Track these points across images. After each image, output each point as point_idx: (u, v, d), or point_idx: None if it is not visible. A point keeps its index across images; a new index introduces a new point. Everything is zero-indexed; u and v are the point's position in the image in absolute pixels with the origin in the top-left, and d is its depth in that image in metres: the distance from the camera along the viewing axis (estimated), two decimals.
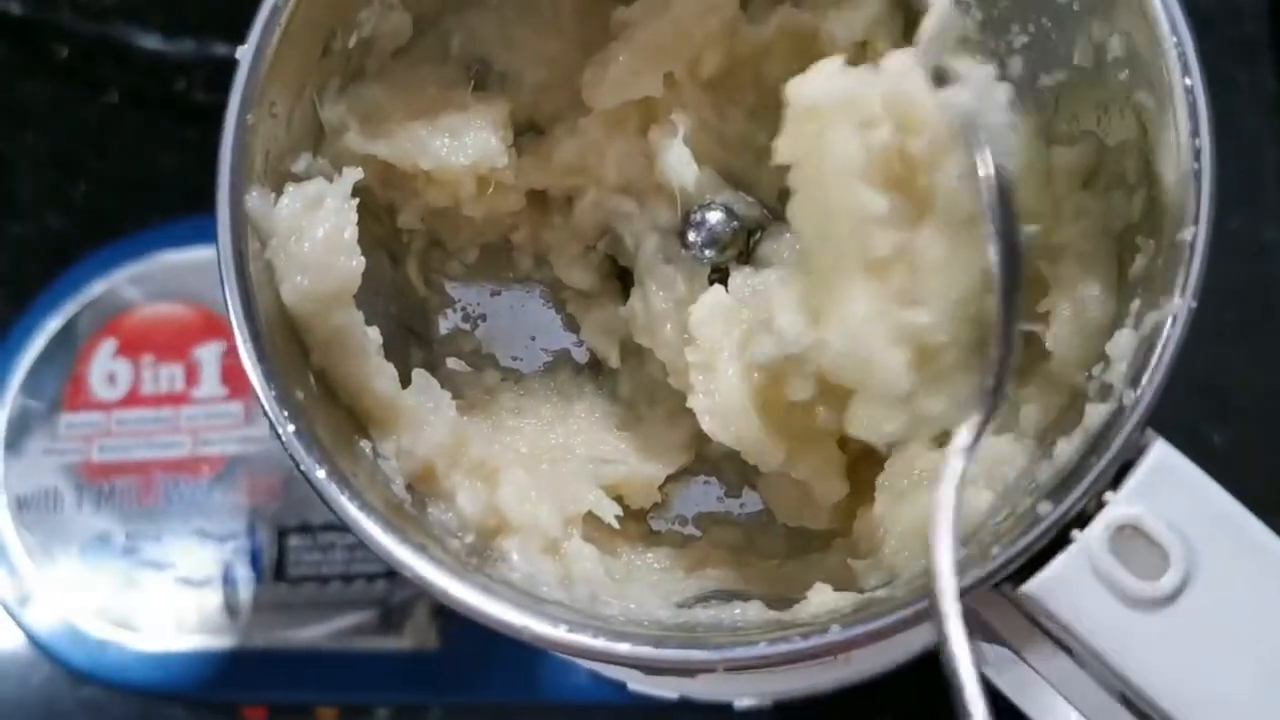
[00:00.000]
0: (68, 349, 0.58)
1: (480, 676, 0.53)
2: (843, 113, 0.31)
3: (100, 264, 0.58)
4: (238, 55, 0.35)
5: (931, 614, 0.29)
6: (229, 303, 0.34)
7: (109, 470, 0.56)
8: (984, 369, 0.31)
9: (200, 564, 0.55)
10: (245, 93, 0.35)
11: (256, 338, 0.33)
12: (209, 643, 0.54)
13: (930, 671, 0.45)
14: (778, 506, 0.42)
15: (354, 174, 0.36)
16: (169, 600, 0.54)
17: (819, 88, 0.32)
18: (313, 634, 0.54)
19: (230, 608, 0.54)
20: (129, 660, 0.54)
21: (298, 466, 0.32)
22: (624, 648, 0.31)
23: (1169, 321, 0.31)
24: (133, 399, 0.57)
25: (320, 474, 0.32)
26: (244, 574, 0.55)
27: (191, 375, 0.57)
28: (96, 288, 0.58)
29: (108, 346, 0.58)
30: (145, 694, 0.55)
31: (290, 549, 0.55)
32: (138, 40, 0.62)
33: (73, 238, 0.60)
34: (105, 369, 0.57)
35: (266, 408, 0.33)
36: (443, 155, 0.39)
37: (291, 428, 0.33)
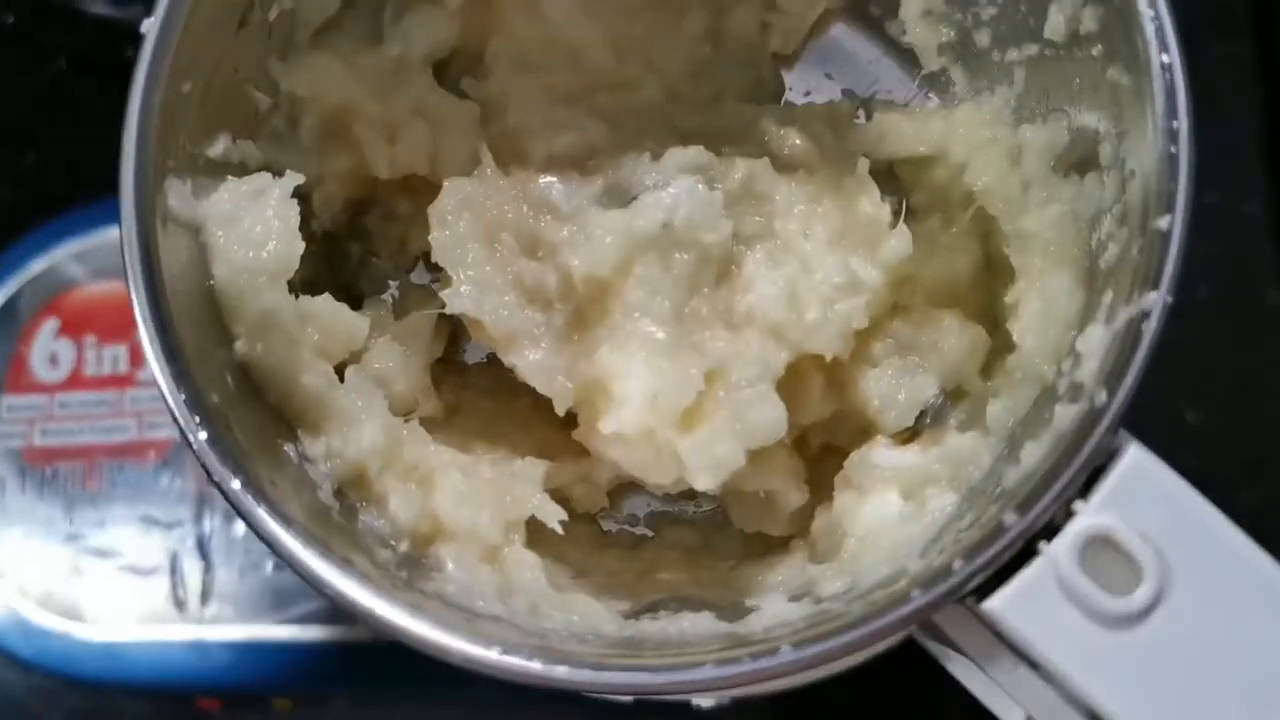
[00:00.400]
0: (9, 328, 0.55)
1: (436, 666, 0.52)
2: None
3: (44, 239, 0.56)
4: (143, 29, 0.32)
5: None
6: (134, 295, 0.31)
7: (52, 454, 0.54)
8: None
9: (147, 552, 0.53)
10: (151, 70, 0.32)
11: (163, 331, 0.31)
12: (159, 633, 0.52)
13: (898, 663, 0.43)
14: (736, 514, 0.40)
15: (296, 177, 0.35)
16: (115, 589, 0.52)
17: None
18: (266, 624, 0.52)
19: (178, 597, 0.52)
20: (77, 650, 0.52)
21: (210, 477, 0.30)
22: (562, 671, 0.29)
23: (1144, 318, 0.29)
24: (75, 381, 0.54)
25: (235, 485, 0.30)
26: (192, 562, 0.53)
27: (136, 356, 0.54)
28: (39, 264, 0.55)
29: (49, 326, 0.55)
30: (97, 684, 0.53)
31: (239, 536, 0.53)
32: (85, 5, 0.59)
33: (20, 210, 0.58)
34: (47, 349, 0.55)
35: (175, 412, 0.31)
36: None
37: (204, 434, 0.30)
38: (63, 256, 0.55)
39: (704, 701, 0.45)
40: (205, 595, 0.52)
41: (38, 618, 0.52)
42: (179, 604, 0.52)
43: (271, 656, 0.51)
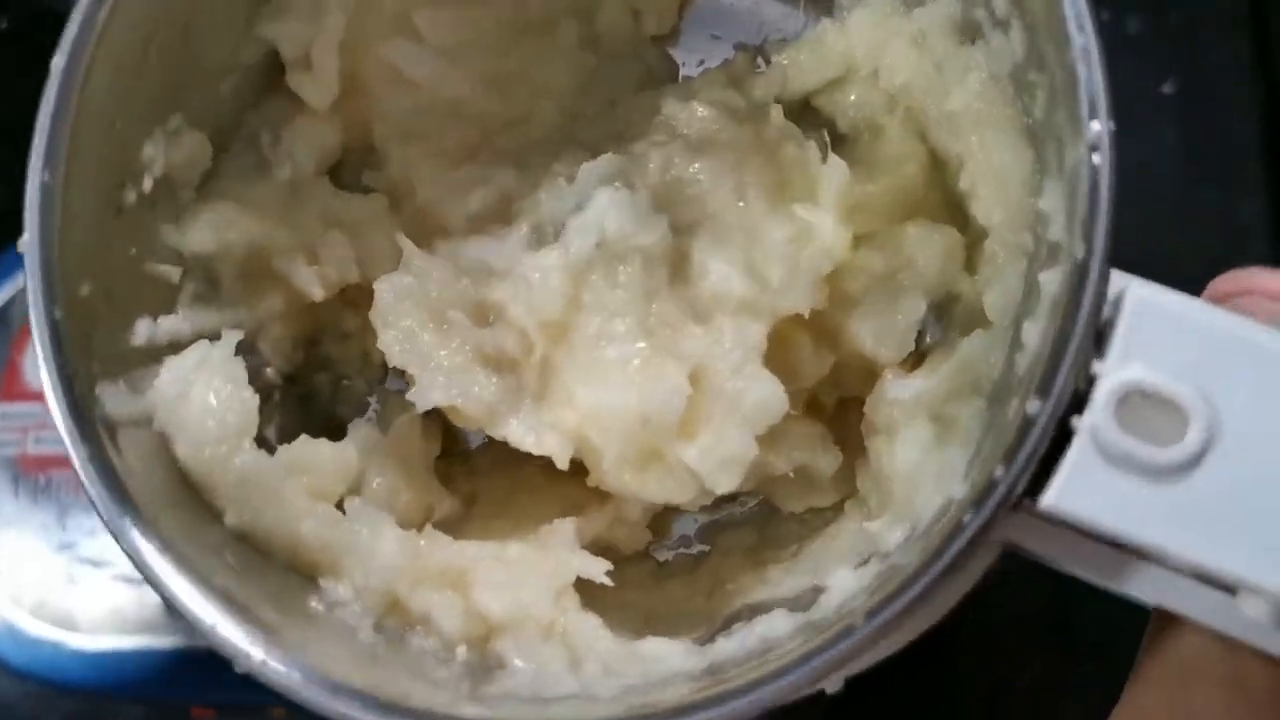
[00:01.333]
0: (2, 336, 0.55)
1: None
2: None
3: None
4: (19, 249, 0.31)
5: None
6: (100, 509, 0.30)
7: (45, 463, 0.54)
8: None
9: None
10: (45, 288, 0.31)
11: (154, 535, 0.30)
12: (153, 642, 0.51)
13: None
14: (780, 499, 0.38)
15: (235, 335, 0.35)
16: (108, 598, 0.52)
17: None
18: None
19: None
20: (69, 659, 0.52)
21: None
22: None
23: (1093, 151, 0.27)
24: None
25: (259, 656, 0.29)
26: None
27: None
28: None
29: None
30: (90, 693, 0.52)
31: None
32: None
33: (16, 215, 0.58)
34: None
35: (185, 610, 0.30)
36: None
37: (217, 624, 0.29)
38: None
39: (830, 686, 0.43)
40: None
41: (31, 627, 0.52)
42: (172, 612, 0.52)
43: None
